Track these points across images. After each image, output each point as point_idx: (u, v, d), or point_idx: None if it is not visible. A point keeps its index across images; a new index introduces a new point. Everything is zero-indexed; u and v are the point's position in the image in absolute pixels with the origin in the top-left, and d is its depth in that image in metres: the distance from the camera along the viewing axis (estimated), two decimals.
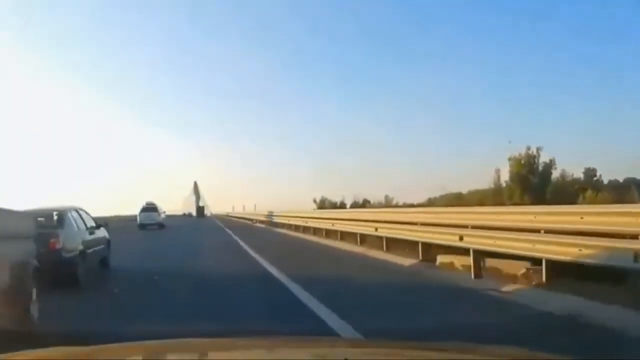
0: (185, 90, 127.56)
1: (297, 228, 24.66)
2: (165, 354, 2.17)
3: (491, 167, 18.83)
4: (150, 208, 37.05)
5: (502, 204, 15.04)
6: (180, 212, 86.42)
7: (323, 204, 34.28)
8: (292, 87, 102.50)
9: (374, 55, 79.95)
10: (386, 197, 29.54)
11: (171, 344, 2.34)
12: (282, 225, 28.95)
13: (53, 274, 7.36)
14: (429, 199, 24.10)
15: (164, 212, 41.04)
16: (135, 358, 2.06)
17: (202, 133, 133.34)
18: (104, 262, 11.08)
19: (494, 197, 17.29)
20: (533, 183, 16.95)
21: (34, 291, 5.97)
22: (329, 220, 19.47)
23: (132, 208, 39.37)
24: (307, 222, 22.80)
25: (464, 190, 22.40)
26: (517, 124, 48.60)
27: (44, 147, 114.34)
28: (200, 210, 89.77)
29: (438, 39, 66.74)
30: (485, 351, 2.06)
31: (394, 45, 73.59)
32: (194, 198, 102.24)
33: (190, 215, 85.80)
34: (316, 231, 21.04)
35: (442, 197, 22.97)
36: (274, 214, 34.41)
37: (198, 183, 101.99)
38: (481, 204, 15.18)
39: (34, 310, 5.92)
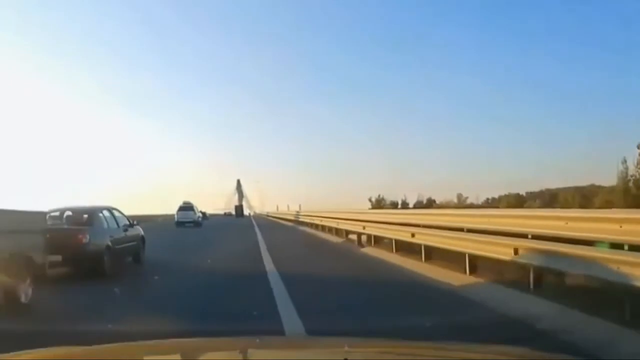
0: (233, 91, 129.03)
1: (330, 230, 22.32)
2: (165, 354, 2.18)
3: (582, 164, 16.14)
4: (186, 207, 39.41)
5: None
6: (222, 211, 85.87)
7: (380, 204, 32.61)
8: (357, 85, 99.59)
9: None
10: (459, 195, 27.83)
11: (171, 344, 2.36)
12: (313, 225, 26.95)
13: (79, 264, 9.17)
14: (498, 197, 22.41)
15: (200, 211, 43.12)
16: (135, 358, 2.07)
17: (252, 130, 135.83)
18: (136, 257, 11.77)
19: (623, 194, 13.12)
20: None
21: (28, 279, 6.91)
22: (359, 222, 16.53)
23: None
24: (338, 224, 20.08)
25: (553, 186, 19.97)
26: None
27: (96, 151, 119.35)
28: (238, 209, 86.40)
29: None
30: (485, 351, 1.98)
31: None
32: (236, 197, 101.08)
33: (230, 214, 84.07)
34: (341, 232, 19.28)
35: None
36: (300, 213, 36.68)
37: (242, 181, 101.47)
38: (607, 204, 12.16)
39: (26, 293, 6.82)
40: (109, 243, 9.98)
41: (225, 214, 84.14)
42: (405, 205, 30.16)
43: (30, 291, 6.89)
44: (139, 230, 12.13)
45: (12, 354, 1.94)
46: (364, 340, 2.42)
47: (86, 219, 10.25)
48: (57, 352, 2.09)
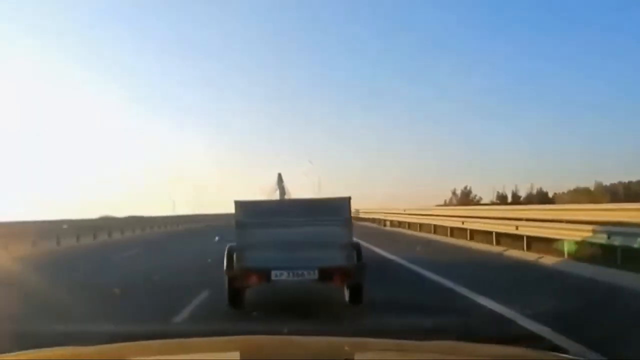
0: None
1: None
2: (165, 354, 2.18)
3: None
4: None
5: None
6: None
7: (468, 196, 28.74)
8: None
9: None
10: (532, 186, 24.56)
11: (171, 344, 2.36)
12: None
13: None
14: None
15: None
16: (135, 358, 2.08)
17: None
18: None
19: None
20: None
21: None
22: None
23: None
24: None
25: None
26: None
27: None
28: None
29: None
30: (485, 351, 2.00)
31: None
32: (277, 193, 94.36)
33: None
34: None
35: None
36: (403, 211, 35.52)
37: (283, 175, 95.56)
38: None
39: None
40: None
41: None
42: (504, 200, 26.94)
43: None
44: None
45: (12, 354, 1.94)
46: (364, 340, 2.43)
47: None
48: (57, 352, 2.09)
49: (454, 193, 30.54)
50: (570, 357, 1.78)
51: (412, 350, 2.12)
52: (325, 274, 6.53)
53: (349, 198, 6.97)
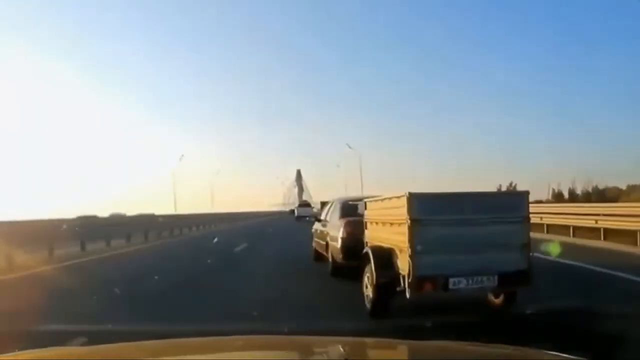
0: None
1: None
2: (165, 354, 2.17)
3: None
4: (305, 204, 54.62)
5: None
6: (278, 208, 77.71)
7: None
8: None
9: None
10: (590, 183, 22.29)
11: (171, 344, 2.35)
12: None
13: None
14: None
15: (313, 207, 51.52)
16: (135, 358, 2.07)
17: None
18: None
19: None
20: None
21: None
22: None
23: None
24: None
25: None
26: None
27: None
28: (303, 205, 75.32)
29: None
30: (485, 351, 2.00)
31: None
32: (296, 190, 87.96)
33: (293, 212, 74.46)
34: None
35: None
36: None
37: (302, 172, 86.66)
38: None
39: None
40: None
41: (290, 211, 75.26)
42: (559, 198, 25.54)
43: None
44: None
45: (12, 354, 1.94)
46: (364, 340, 2.43)
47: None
48: (57, 352, 2.09)
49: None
50: (571, 357, 1.77)
51: (412, 350, 2.12)
52: (505, 280, 5.82)
53: (527, 192, 6.43)
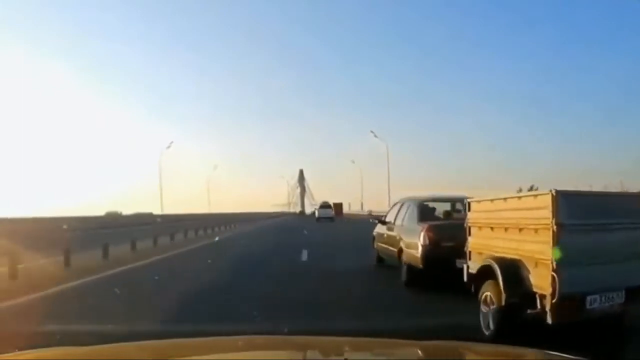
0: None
1: None
2: (165, 354, 2.17)
3: None
4: (325, 206, 54.28)
5: None
6: (281, 209, 74.45)
7: None
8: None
9: None
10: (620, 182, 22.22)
11: (171, 344, 2.35)
12: None
13: None
14: None
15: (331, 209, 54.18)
16: (135, 358, 2.07)
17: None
18: None
19: None
20: None
21: None
22: None
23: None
24: None
25: None
26: None
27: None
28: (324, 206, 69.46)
29: None
30: (485, 351, 1.99)
31: None
32: (298, 191, 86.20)
33: (302, 213, 74.48)
34: None
35: None
36: None
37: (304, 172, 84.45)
38: None
39: None
40: None
41: (300, 212, 73.57)
42: None
43: None
44: None
45: (12, 354, 1.93)
46: (364, 340, 2.43)
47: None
48: (57, 352, 2.09)
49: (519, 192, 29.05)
50: (571, 357, 1.77)
51: (412, 350, 2.12)
52: (633, 296, 4.88)
53: None
